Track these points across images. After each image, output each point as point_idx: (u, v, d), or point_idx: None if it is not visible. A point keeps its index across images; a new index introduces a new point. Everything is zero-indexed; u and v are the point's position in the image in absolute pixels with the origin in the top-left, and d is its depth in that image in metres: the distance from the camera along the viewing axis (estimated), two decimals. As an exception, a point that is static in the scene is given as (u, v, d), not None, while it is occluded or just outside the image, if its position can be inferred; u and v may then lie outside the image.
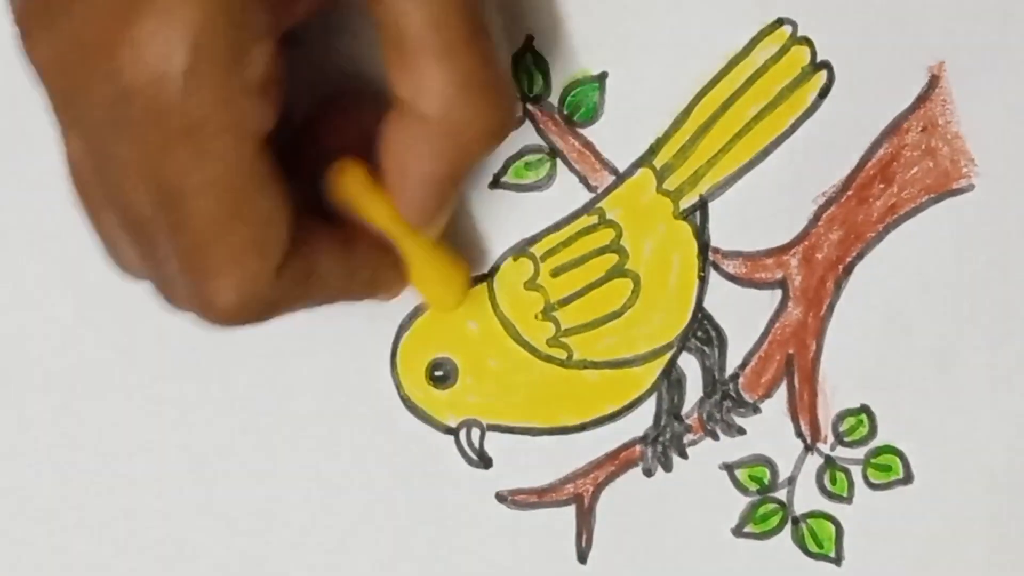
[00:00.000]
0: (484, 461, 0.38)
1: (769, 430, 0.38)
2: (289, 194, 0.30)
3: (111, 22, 0.27)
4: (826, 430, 0.38)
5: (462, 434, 0.37)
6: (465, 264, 0.35)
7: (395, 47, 0.30)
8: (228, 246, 0.29)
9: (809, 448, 0.38)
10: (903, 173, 0.37)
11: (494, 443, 0.38)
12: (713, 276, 0.37)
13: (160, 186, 0.28)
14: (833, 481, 0.38)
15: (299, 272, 0.30)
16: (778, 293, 0.37)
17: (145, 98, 0.27)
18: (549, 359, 0.37)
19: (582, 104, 0.36)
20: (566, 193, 0.36)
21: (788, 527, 0.38)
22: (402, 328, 0.37)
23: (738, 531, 0.38)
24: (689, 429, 0.38)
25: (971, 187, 0.37)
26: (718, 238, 0.37)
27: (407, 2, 0.29)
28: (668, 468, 0.38)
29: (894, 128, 0.36)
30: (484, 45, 0.30)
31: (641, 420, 0.38)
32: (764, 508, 0.38)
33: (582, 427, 0.38)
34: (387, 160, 0.31)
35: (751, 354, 0.37)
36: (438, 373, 0.37)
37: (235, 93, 0.27)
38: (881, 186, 0.37)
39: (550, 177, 0.36)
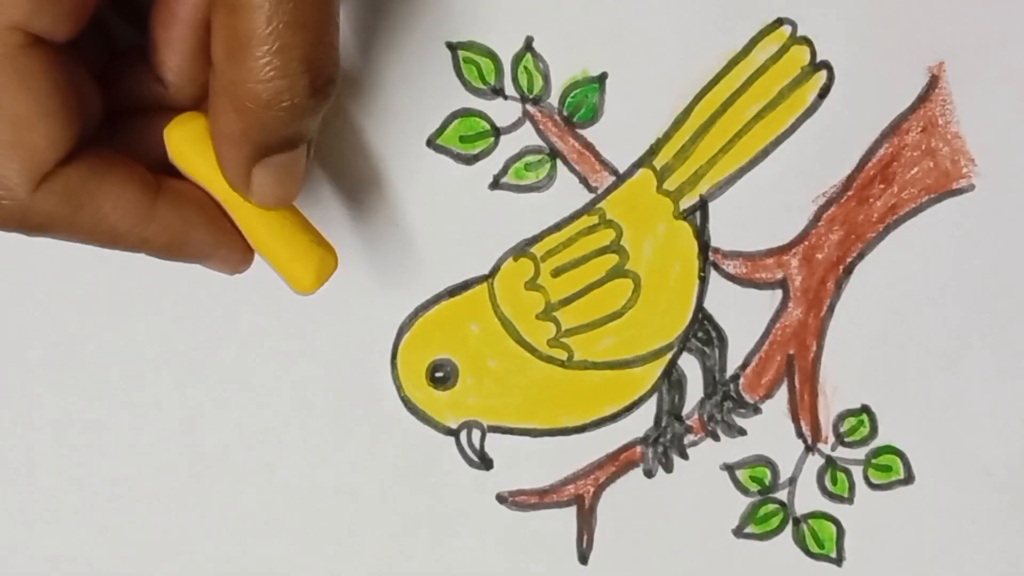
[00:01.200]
0: (485, 462, 0.38)
1: (770, 431, 0.38)
2: (74, 111, 0.28)
3: None
4: (827, 430, 0.38)
5: (463, 435, 0.37)
6: (327, 247, 0.31)
7: None
8: None
9: (810, 448, 0.38)
10: (903, 173, 0.37)
11: (495, 444, 0.38)
12: (713, 276, 0.37)
13: None
14: (834, 481, 0.38)
15: (70, 195, 0.29)
16: (778, 293, 0.37)
17: None
18: (550, 360, 0.37)
19: (582, 104, 0.36)
20: (566, 194, 0.36)
21: (789, 527, 0.38)
22: (402, 329, 0.37)
23: (739, 532, 0.38)
24: (690, 430, 0.38)
25: (971, 187, 0.37)
26: (718, 238, 0.37)
27: None
28: (669, 469, 0.38)
29: (894, 128, 0.36)
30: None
31: (642, 421, 0.38)
32: (765, 509, 0.38)
33: (583, 428, 0.38)
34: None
35: (752, 354, 0.37)
36: (438, 374, 0.37)
37: None
38: (881, 186, 0.37)
39: (550, 178, 0.36)
